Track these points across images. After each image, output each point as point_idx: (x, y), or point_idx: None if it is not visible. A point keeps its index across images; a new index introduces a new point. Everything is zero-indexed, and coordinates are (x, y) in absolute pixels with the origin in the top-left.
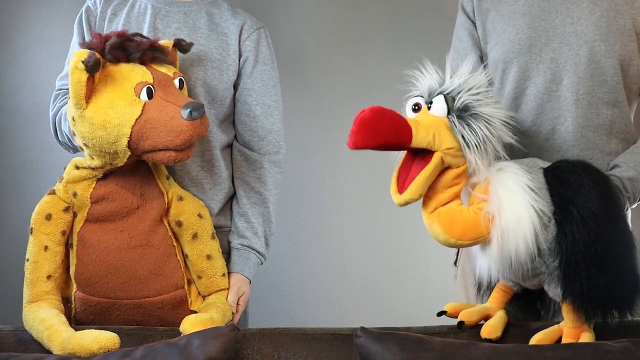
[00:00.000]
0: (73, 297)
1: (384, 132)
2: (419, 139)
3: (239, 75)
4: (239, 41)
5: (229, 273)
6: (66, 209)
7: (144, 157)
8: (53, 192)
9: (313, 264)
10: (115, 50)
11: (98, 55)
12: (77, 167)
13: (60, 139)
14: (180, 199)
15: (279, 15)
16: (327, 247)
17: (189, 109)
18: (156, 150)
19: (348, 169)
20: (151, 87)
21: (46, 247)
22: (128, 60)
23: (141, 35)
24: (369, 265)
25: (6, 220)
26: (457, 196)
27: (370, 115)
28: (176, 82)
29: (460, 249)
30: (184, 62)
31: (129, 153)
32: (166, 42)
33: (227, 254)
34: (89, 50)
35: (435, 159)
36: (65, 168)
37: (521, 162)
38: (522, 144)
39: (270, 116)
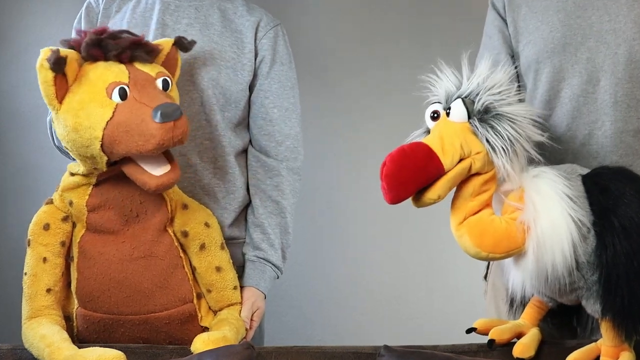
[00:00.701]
0: (75, 314)
1: (412, 177)
2: (450, 161)
3: (254, 75)
4: (255, 39)
5: (242, 287)
6: (65, 219)
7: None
8: (50, 202)
9: (333, 276)
10: (91, 48)
11: (65, 53)
12: (72, 174)
13: (56, 143)
14: (185, 207)
15: (296, 12)
16: (348, 258)
17: (159, 111)
18: (131, 156)
19: (370, 175)
20: (125, 87)
21: (45, 259)
22: (106, 58)
23: (130, 33)
24: (393, 278)
25: (5, 230)
26: (487, 205)
27: (392, 167)
28: (159, 82)
29: (491, 262)
30: (195, 61)
31: (106, 158)
32: (165, 40)
33: (241, 267)
34: (53, 48)
35: (462, 164)
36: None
37: (558, 169)
38: (557, 150)
39: (288, 120)
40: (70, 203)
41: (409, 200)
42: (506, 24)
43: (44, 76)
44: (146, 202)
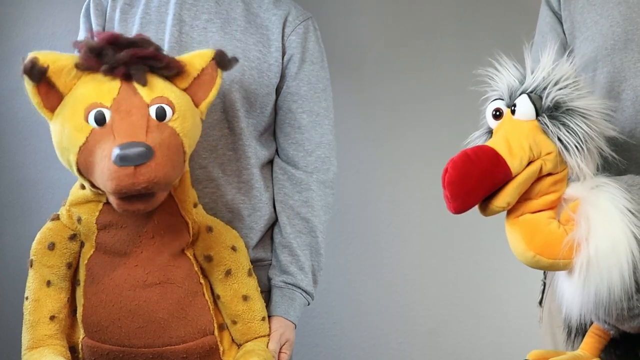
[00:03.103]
0: (80, 345)
1: (478, 184)
2: (518, 164)
3: (282, 76)
4: (282, 36)
5: (269, 316)
6: (72, 237)
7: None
8: (57, 218)
9: (369, 302)
10: (88, 57)
11: (48, 61)
12: (83, 186)
13: None
14: (210, 230)
15: (328, 4)
16: (386, 282)
17: (118, 152)
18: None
19: (411, 189)
20: (103, 111)
21: (49, 282)
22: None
23: (147, 42)
24: (437, 305)
25: (3, 250)
26: (551, 207)
27: (455, 173)
28: (152, 110)
29: (546, 286)
30: None
31: (88, 183)
32: (202, 53)
33: (267, 292)
34: (34, 54)
35: (532, 166)
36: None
37: (619, 180)
38: (618, 160)
39: (319, 126)
40: (79, 220)
41: (456, 218)
42: (560, 21)
43: (27, 84)
44: (163, 222)
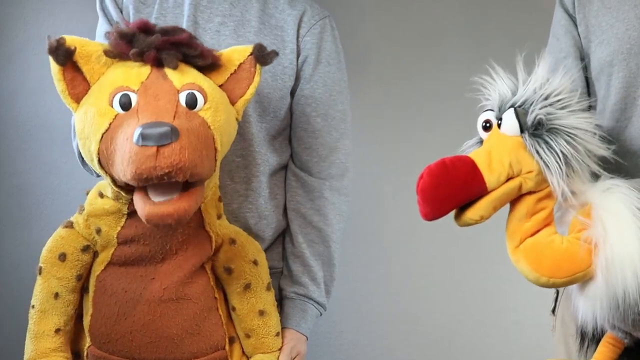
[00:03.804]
0: (85, 353)
1: (450, 194)
2: (495, 180)
3: (296, 79)
4: (297, 36)
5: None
6: (85, 248)
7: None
8: (70, 225)
9: (376, 311)
10: (118, 42)
11: (67, 42)
12: (101, 195)
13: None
14: (233, 242)
15: (335, 4)
16: (393, 290)
17: (139, 131)
18: (121, 182)
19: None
20: (129, 94)
21: (57, 295)
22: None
23: (182, 30)
24: (446, 314)
25: (2, 258)
26: (547, 224)
27: (429, 180)
28: (182, 96)
29: (559, 294)
30: None
31: (109, 179)
32: (241, 48)
33: (277, 301)
34: (62, 37)
35: (510, 183)
36: (87, 194)
37: (632, 182)
38: (635, 166)
39: (335, 130)
40: (98, 231)
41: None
42: (575, 23)
43: (52, 67)
44: (188, 239)
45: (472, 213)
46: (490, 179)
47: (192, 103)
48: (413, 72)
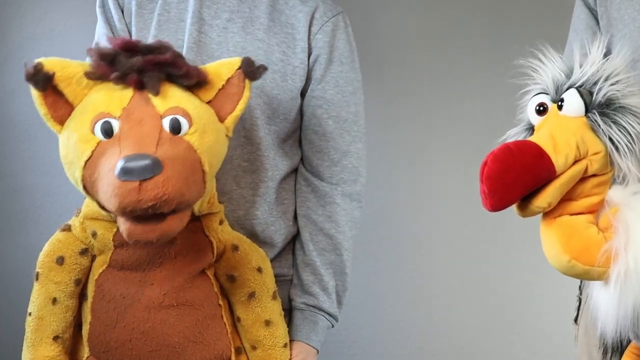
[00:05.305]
0: None
1: (519, 180)
2: (563, 162)
3: (307, 79)
4: (309, 34)
5: (290, 340)
6: (83, 252)
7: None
8: (68, 229)
9: (392, 319)
10: (99, 64)
11: (46, 67)
12: None
13: None
14: (235, 249)
15: (349, 1)
16: (411, 298)
17: (121, 165)
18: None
19: (439, 199)
20: (111, 121)
21: (55, 300)
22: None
23: (166, 48)
24: (466, 322)
25: None
26: (592, 210)
27: (495, 166)
28: (165, 122)
29: (582, 302)
30: None
31: (96, 202)
32: (228, 62)
33: (287, 311)
34: (38, 61)
35: (577, 166)
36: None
37: None
38: None
39: (347, 133)
40: (94, 234)
41: (488, 225)
42: (596, 18)
43: (32, 93)
44: (188, 244)
45: (540, 201)
46: (558, 161)
47: (176, 128)
48: (430, 72)
